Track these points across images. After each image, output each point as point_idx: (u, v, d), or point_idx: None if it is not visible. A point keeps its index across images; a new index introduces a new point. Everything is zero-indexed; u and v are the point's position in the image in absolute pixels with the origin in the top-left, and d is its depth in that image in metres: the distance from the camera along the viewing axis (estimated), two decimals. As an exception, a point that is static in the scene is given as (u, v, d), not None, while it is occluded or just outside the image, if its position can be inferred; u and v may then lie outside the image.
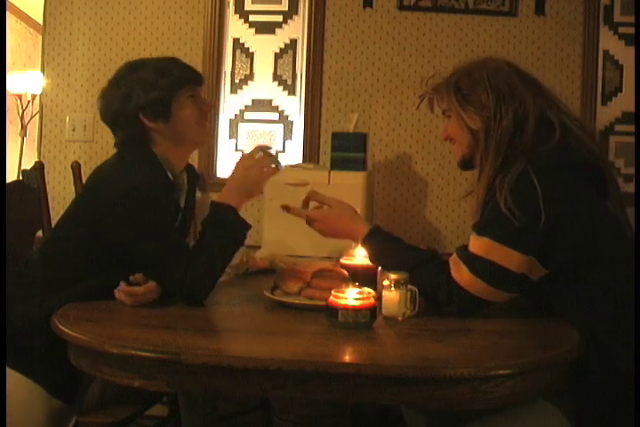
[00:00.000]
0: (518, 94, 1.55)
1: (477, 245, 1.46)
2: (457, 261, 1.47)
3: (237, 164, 1.68)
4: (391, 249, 1.58)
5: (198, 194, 1.89)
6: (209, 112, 1.75)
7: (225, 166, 2.87)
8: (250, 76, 2.88)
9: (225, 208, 1.62)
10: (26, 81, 4.49)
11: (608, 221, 1.50)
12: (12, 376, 1.53)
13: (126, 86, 1.65)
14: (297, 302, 1.56)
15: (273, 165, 1.69)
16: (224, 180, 2.64)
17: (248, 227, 1.64)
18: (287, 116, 2.88)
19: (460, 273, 1.45)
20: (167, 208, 1.63)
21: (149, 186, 1.58)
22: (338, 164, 2.46)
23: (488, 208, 1.50)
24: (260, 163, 1.67)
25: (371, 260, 1.62)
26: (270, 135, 2.88)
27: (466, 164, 1.66)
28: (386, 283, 1.49)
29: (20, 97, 4.65)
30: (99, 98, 1.72)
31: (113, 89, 1.67)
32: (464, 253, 1.48)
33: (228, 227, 1.60)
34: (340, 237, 1.67)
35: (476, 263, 1.44)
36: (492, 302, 1.47)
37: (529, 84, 1.59)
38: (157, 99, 1.64)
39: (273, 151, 1.71)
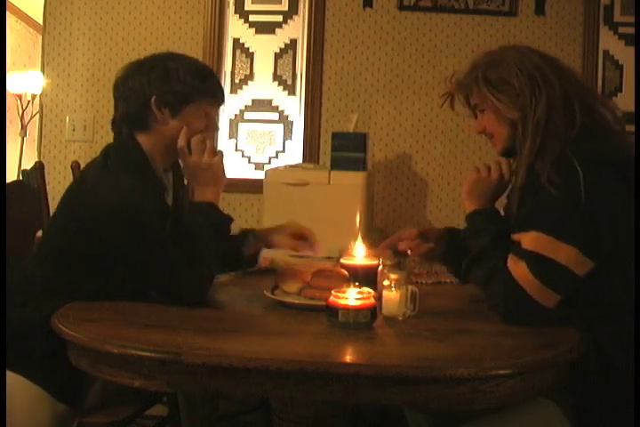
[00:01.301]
0: (548, 77, 1.54)
1: (528, 238, 1.43)
2: (511, 256, 1.45)
3: (183, 165, 1.68)
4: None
5: None
6: (210, 132, 1.71)
7: (225, 167, 2.87)
8: (250, 76, 2.88)
9: (203, 205, 1.63)
10: (26, 81, 4.49)
11: (633, 217, 1.49)
12: (16, 380, 1.52)
13: (158, 72, 1.61)
14: (297, 302, 1.56)
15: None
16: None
17: (230, 220, 1.65)
18: (287, 116, 2.88)
19: (515, 262, 1.43)
20: (156, 218, 1.58)
21: (137, 197, 1.53)
22: (338, 164, 2.46)
23: (529, 198, 1.49)
24: (196, 149, 1.64)
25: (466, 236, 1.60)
26: (270, 135, 2.88)
27: (509, 153, 1.64)
28: (386, 283, 1.49)
29: (20, 97, 4.65)
30: (122, 68, 1.66)
31: (144, 67, 1.63)
32: (517, 248, 1.45)
33: (212, 223, 1.61)
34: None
35: (526, 255, 1.42)
36: (542, 304, 1.40)
37: (553, 65, 1.58)
38: (179, 92, 1.61)
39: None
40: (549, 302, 1.40)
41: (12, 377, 1.52)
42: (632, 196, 1.48)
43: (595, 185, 1.41)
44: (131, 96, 1.62)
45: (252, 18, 2.87)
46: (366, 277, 1.61)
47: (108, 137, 2.87)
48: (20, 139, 4.62)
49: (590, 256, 1.40)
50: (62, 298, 1.53)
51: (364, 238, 1.70)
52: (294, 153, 2.86)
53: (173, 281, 1.54)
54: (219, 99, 1.71)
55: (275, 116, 2.88)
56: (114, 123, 1.69)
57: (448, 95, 1.70)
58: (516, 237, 1.47)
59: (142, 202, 1.54)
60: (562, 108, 1.51)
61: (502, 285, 1.42)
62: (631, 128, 2.73)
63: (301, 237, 1.88)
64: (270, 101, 2.88)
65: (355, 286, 1.42)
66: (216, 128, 1.76)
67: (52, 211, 2.22)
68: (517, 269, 1.41)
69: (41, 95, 3.02)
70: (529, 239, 1.43)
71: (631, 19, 2.75)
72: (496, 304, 1.45)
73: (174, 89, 1.60)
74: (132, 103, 1.62)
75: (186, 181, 1.79)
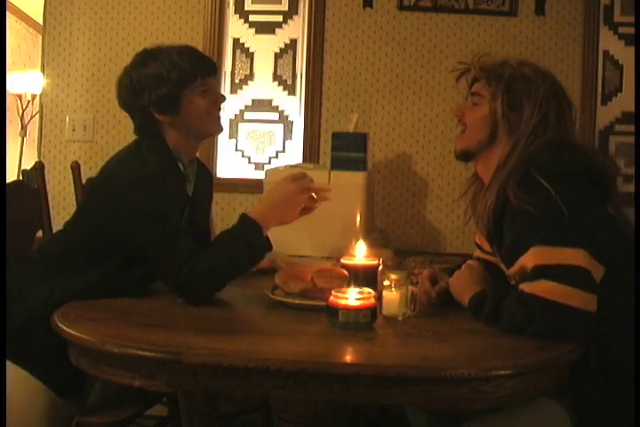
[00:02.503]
0: (563, 124, 1.53)
1: (530, 256, 1.39)
2: (522, 284, 1.39)
3: (283, 185, 1.66)
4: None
5: None
6: (220, 103, 1.74)
7: (225, 166, 2.87)
8: (250, 76, 2.88)
9: (254, 226, 1.59)
10: (26, 81, 4.49)
11: (610, 221, 1.50)
12: (16, 373, 1.53)
13: (138, 81, 1.65)
14: (297, 302, 1.56)
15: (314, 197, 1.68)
16: (224, 180, 2.65)
17: (269, 249, 1.62)
18: (287, 116, 2.88)
19: (530, 286, 1.36)
20: (176, 199, 1.62)
21: (160, 175, 1.59)
22: (338, 164, 2.46)
23: (511, 224, 1.46)
24: (304, 192, 1.65)
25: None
26: (270, 135, 2.88)
27: (466, 156, 1.63)
28: (386, 283, 1.49)
29: (20, 97, 4.65)
30: (116, 84, 1.72)
31: (126, 80, 1.68)
32: (525, 274, 1.40)
33: (250, 244, 1.58)
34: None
35: (538, 272, 1.37)
36: (572, 306, 1.32)
37: (572, 110, 1.57)
38: (166, 94, 1.63)
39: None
40: (589, 305, 1.33)
41: (12, 370, 1.52)
42: (603, 197, 1.50)
43: (569, 197, 1.41)
44: (133, 113, 1.71)
45: (252, 18, 2.87)
46: (366, 277, 1.61)
47: (107, 137, 2.91)
48: (20, 139, 4.61)
49: (598, 259, 1.38)
50: (73, 282, 1.57)
51: (364, 238, 1.70)
52: (294, 153, 2.86)
53: (171, 267, 1.53)
54: (203, 74, 1.68)
55: (275, 116, 2.88)
56: (134, 131, 1.77)
57: (465, 70, 1.66)
58: (513, 269, 1.44)
59: (164, 182, 1.58)
60: (554, 148, 1.51)
61: (529, 306, 1.34)
62: (631, 128, 2.74)
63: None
64: (270, 101, 2.88)
65: (355, 286, 1.42)
66: (221, 98, 1.75)
67: (52, 211, 2.23)
68: (538, 288, 1.34)
69: (41, 95, 3.01)
70: (531, 257, 1.39)
71: (631, 19, 2.74)
72: (522, 328, 1.34)
73: (160, 93, 1.63)
74: (137, 118, 1.71)
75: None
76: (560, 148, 1.51)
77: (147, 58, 1.68)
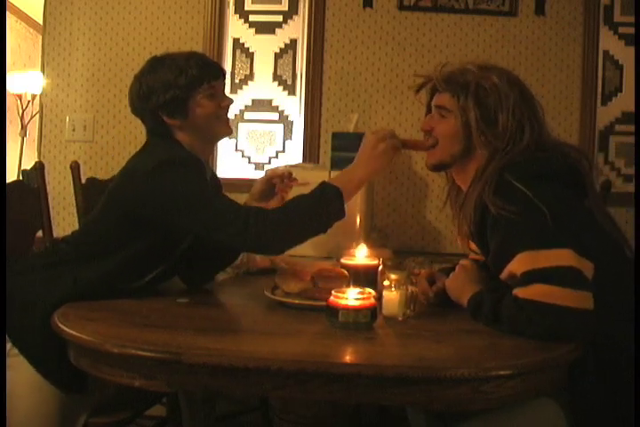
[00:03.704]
0: (537, 126, 1.51)
1: (518, 263, 1.38)
2: (515, 290, 1.38)
3: (367, 138, 1.66)
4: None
5: None
6: (228, 107, 1.75)
7: (225, 166, 2.87)
8: (250, 76, 2.88)
9: (332, 188, 1.59)
10: (26, 81, 4.49)
11: (591, 218, 1.49)
12: (26, 373, 1.54)
13: (147, 86, 1.67)
14: (297, 302, 1.56)
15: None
16: (224, 180, 2.64)
17: (342, 214, 1.58)
18: (287, 116, 2.88)
19: (524, 291, 1.35)
20: (204, 177, 1.62)
21: (188, 157, 1.61)
22: (338, 164, 2.45)
23: (492, 232, 1.45)
24: (388, 137, 1.64)
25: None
26: (270, 135, 2.88)
27: (440, 168, 1.62)
28: (386, 283, 1.49)
29: (20, 97, 4.65)
30: (128, 92, 1.74)
31: (136, 86, 1.70)
32: (516, 280, 1.39)
33: (326, 206, 1.56)
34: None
35: (529, 277, 1.36)
36: (568, 306, 1.31)
37: (540, 108, 1.55)
38: (175, 98, 1.65)
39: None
40: (585, 303, 1.33)
41: (20, 366, 1.52)
42: (579, 198, 1.49)
43: (547, 197, 1.40)
44: (144, 117, 1.71)
45: (252, 18, 2.87)
46: (366, 277, 1.61)
47: (107, 137, 2.91)
48: (20, 139, 4.62)
49: (586, 256, 1.37)
50: (97, 267, 1.59)
51: (364, 239, 1.70)
52: (294, 153, 2.86)
53: (234, 228, 1.50)
54: (209, 78, 1.70)
55: (275, 116, 2.88)
56: (147, 134, 1.77)
57: (428, 81, 1.63)
58: (504, 273, 1.42)
59: (189, 162, 1.60)
60: (529, 151, 1.49)
61: (526, 309, 1.33)
62: (631, 128, 2.74)
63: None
64: (270, 101, 2.88)
65: (355, 286, 1.42)
66: (228, 101, 1.76)
67: (52, 211, 2.22)
68: (533, 292, 1.33)
69: (41, 95, 3.02)
70: (518, 264, 1.38)
71: (631, 19, 2.75)
72: (522, 330, 1.34)
73: (168, 97, 1.65)
74: (149, 122, 1.71)
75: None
76: (534, 150, 1.49)
77: (155, 64, 1.71)
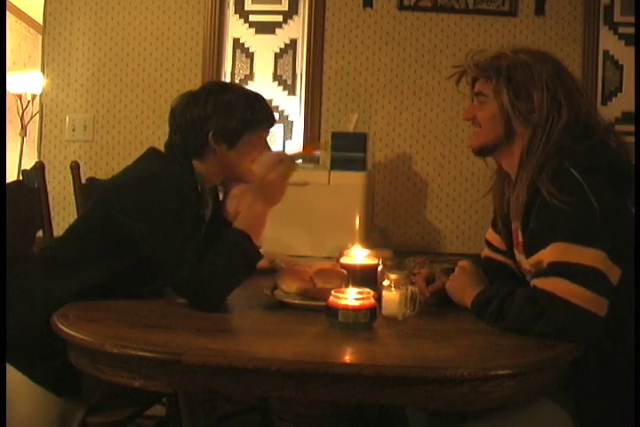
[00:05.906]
0: (575, 102, 1.49)
1: (550, 251, 1.37)
2: (535, 280, 1.38)
3: (255, 172, 1.66)
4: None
5: None
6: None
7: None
8: (250, 76, 2.88)
9: (239, 234, 1.57)
10: (26, 81, 4.49)
11: (631, 220, 1.47)
12: (22, 377, 1.54)
13: (212, 106, 1.67)
14: (297, 302, 1.56)
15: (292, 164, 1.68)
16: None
17: (259, 254, 1.60)
18: (287, 116, 2.88)
19: (543, 282, 1.35)
20: (188, 201, 1.58)
21: (177, 174, 1.61)
22: (338, 164, 2.46)
23: (538, 215, 1.44)
24: (274, 165, 1.64)
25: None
26: (270, 135, 2.88)
27: (484, 151, 1.60)
28: (386, 283, 1.49)
29: (20, 97, 4.65)
30: (177, 98, 1.73)
31: (196, 104, 1.68)
32: (540, 269, 1.38)
33: (241, 250, 1.56)
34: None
35: (554, 268, 1.35)
36: (583, 307, 1.31)
37: (579, 87, 1.54)
38: (235, 128, 1.67)
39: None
40: (600, 309, 1.32)
41: (14, 374, 1.52)
42: (626, 200, 1.47)
43: (602, 194, 1.38)
44: (188, 128, 1.69)
45: (252, 18, 2.87)
46: (366, 277, 1.61)
47: (107, 137, 2.91)
48: (20, 139, 4.61)
49: (617, 262, 1.36)
50: (79, 279, 1.57)
51: (364, 239, 1.70)
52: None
53: (179, 272, 1.50)
54: (270, 124, 1.77)
55: (274, 116, 2.88)
56: (167, 146, 1.74)
57: (462, 71, 1.64)
58: (533, 259, 1.42)
59: (176, 182, 1.59)
60: (574, 130, 1.47)
61: (540, 302, 1.32)
62: (631, 128, 2.74)
63: None
64: (270, 101, 2.88)
65: (354, 286, 1.42)
66: (269, 149, 1.79)
67: (52, 211, 2.22)
68: (552, 284, 1.33)
69: (41, 95, 3.02)
70: (550, 253, 1.37)
71: (631, 19, 2.75)
72: (528, 325, 1.34)
73: (230, 125, 1.67)
74: (190, 135, 1.68)
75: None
76: (586, 136, 1.47)
77: (223, 88, 1.74)
